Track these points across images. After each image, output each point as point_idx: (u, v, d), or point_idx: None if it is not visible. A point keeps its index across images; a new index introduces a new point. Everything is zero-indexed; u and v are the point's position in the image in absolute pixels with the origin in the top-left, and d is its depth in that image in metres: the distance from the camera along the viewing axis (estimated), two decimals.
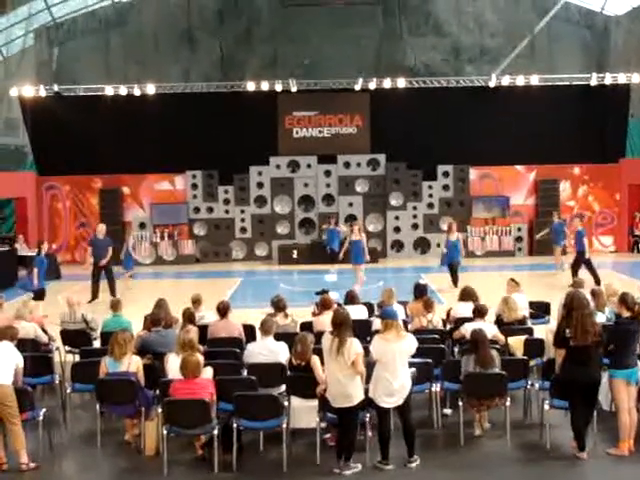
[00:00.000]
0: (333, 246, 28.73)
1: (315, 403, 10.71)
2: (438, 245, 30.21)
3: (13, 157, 37.82)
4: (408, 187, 33.08)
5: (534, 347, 12.94)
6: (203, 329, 13.48)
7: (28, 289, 22.28)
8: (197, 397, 10.35)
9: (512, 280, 15.67)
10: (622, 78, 32.07)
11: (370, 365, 10.51)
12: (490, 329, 12.64)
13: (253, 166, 33.14)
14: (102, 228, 24.60)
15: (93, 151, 32.14)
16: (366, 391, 10.45)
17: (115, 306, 14.66)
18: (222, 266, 31.00)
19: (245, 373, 11.80)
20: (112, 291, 23.53)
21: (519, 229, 32.97)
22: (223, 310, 13.77)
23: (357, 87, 32.57)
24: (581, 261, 24.13)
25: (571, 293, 11.36)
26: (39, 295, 21.87)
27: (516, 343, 12.98)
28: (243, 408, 10.55)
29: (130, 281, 25.82)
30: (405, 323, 14.08)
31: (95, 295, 23.55)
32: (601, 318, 11.98)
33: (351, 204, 33.11)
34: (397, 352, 10.27)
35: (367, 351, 10.72)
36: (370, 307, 15.48)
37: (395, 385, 10.24)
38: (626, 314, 10.99)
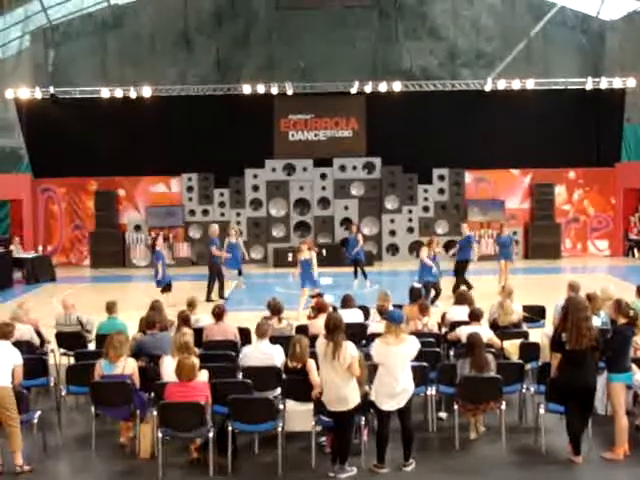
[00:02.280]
0: (357, 255, 26.53)
1: (310, 406, 10.70)
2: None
3: (8, 159, 37.73)
4: (404, 190, 33.08)
5: (529, 351, 12.96)
6: (198, 332, 13.48)
7: (161, 283, 22.48)
8: (192, 400, 10.34)
9: (503, 288, 15.61)
10: (617, 82, 32.11)
11: (373, 368, 10.53)
12: (485, 333, 12.66)
13: (249, 169, 33.14)
14: (216, 228, 24.99)
15: (89, 153, 32.15)
16: (367, 394, 10.47)
17: (110, 308, 14.64)
18: None
19: (240, 376, 11.79)
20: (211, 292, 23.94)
21: (514, 233, 32.92)
22: (219, 314, 13.78)
23: (353, 90, 32.58)
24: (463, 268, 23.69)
25: (569, 297, 11.40)
26: (167, 287, 22.60)
27: (511, 347, 12.99)
28: (238, 411, 10.55)
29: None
30: None
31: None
32: (596, 322, 11.99)
33: (347, 207, 33.12)
34: (398, 355, 10.27)
35: (368, 355, 10.74)
36: (366, 310, 15.49)
37: (397, 389, 10.25)
38: (622, 320, 11.01)
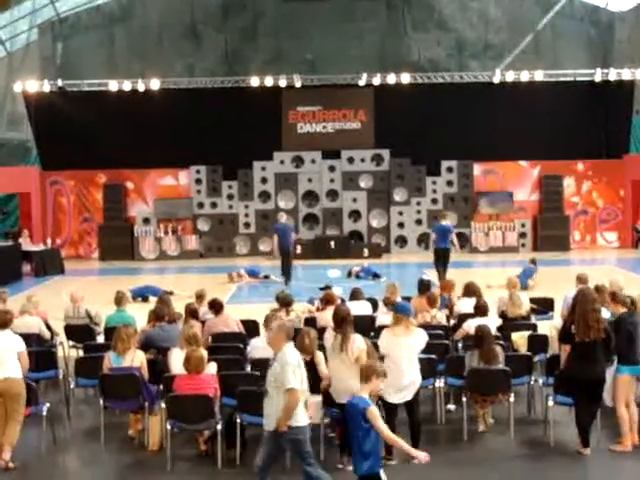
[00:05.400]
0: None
1: (319, 399, 10.69)
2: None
3: (17, 152, 37.82)
4: (412, 183, 33.06)
5: (538, 343, 12.95)
6: (203, 324, 13.48)
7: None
8: (201, 392, 10.35)
9: (510, 280, 15.55)
10: (626, 74, 31.99)
11: (380, 360, 10.52)
12: (493, 325, 12.65)
13: (257, 161, 33.17)
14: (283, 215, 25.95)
15: (97, 146, 32.17)
16: None
17: (119, 301, 14.65)
18: (226, 261, 30.98)
19: (249, 368, 11.80)
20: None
21: (523, 225, 32.97)
22: (218, 306, 13.79)
23: (361, 82, 32.55)
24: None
25: (580, 288, 11.40)
26: None
27: (520, 339, 12.97)
28: (247, 403, 10.55)
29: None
30: None
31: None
32: (605, 314, 11.96)
33: (355, 199, 33.12)
34: (405, 347, 10.28)
35: (376, 347, 10.73)
36: (374, 303, 15.47)
37: (405, 381, 10.25)
38: (622, 310, 11.03)
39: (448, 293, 15.65)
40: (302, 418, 8.81)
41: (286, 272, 24.80)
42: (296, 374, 8.72)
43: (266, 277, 26.13)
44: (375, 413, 7.95)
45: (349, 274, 26.16)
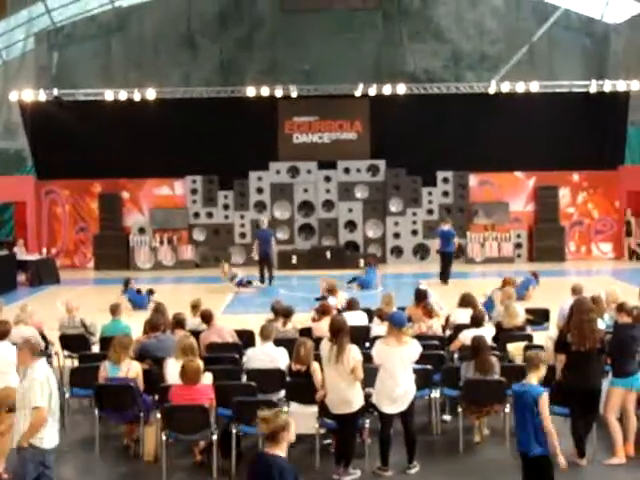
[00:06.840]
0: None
1: (314, 409, 10.69)
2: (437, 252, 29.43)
3: (12, 161, 37.76)
4: (408, 193, 33.05)
5: None
6: (195, 335, 13.40)
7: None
8: (196, 403, 10.34)
9: (505, 291, 15.56)
10: (621, 85, 32.06)
11: (370, 371, 10.51)
12: (489, 335, 12.65)
13: (253, 171, 33.11)
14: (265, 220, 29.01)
15: (93, 156, 32.07)
16: (367, 396, 10.45)
17: (114, 311, 14.63)
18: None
19: (244, 379, 11.78)
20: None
21: (519, 235, 32.97)
22: (208, 317, 13.79)
23: (357, 93, 32.53)
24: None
25: (576, 298, 11.42)
26: None
27: (516, 350, 12.97)
28: (242, 414, 10.54)
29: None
30: None
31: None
32: (600, 325, 11.96)
33: (351, 210, 33.09)
34: (398, 357, 10.26)
35: (368, 357, 10.73)
36: (370, 313, 15.48)
37: (398, 391, 10.24)
38: (625, 319, 11.02)
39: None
40: (49, 440, 8.79)
41: (264, 275, 27.05)
42: (44, 391, 8.66)
43: (249, 282, 26.27)
44: (547, 400, 8.51)
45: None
